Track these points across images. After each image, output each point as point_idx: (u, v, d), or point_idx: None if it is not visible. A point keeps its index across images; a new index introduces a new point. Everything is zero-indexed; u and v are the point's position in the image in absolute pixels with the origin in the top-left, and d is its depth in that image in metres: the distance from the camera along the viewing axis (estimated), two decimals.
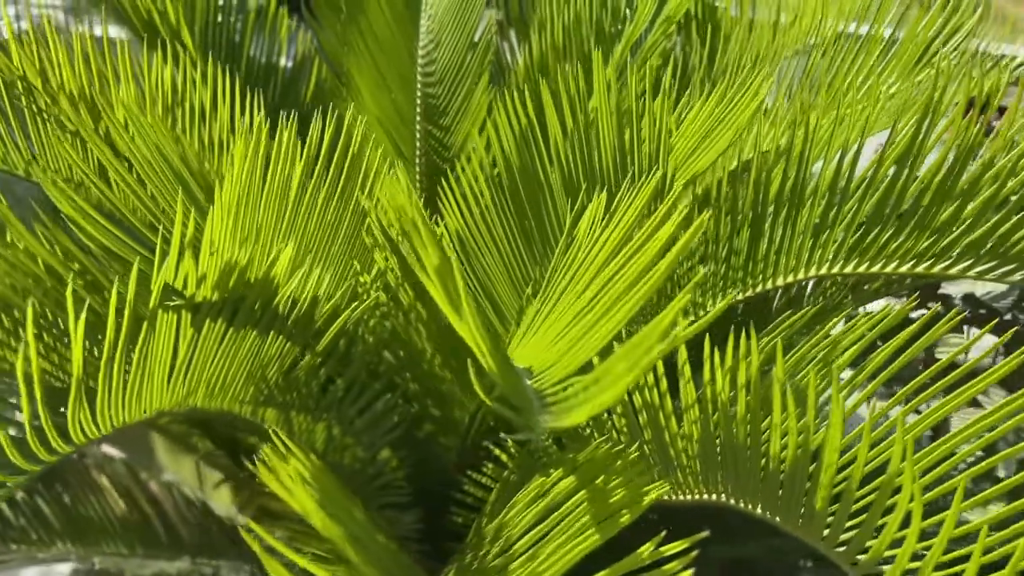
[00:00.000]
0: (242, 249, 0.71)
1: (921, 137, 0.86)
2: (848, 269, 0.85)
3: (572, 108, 0.86)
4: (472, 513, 1.15)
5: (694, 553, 0.56)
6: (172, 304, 0.66)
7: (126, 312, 0.64)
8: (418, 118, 1.45)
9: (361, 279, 0.95)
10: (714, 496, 0.78)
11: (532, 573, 0.73)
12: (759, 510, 0.77)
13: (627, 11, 1.42)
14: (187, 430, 1.41)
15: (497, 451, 1.02)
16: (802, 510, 0.71)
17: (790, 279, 0.88)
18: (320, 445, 1.13)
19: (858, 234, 0.84)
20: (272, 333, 0.87)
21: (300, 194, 0.80)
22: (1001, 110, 1.62)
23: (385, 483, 1.19)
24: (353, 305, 0.88)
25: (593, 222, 0.80)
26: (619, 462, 0.73)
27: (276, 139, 0.75)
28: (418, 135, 1.45)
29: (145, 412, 0.83)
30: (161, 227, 0.84)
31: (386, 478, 1.20)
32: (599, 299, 0.69)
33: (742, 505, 0.79)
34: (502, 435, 1.12)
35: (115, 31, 1.38)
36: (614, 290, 0.66)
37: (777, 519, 0.73)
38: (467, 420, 1.13)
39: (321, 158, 0.83)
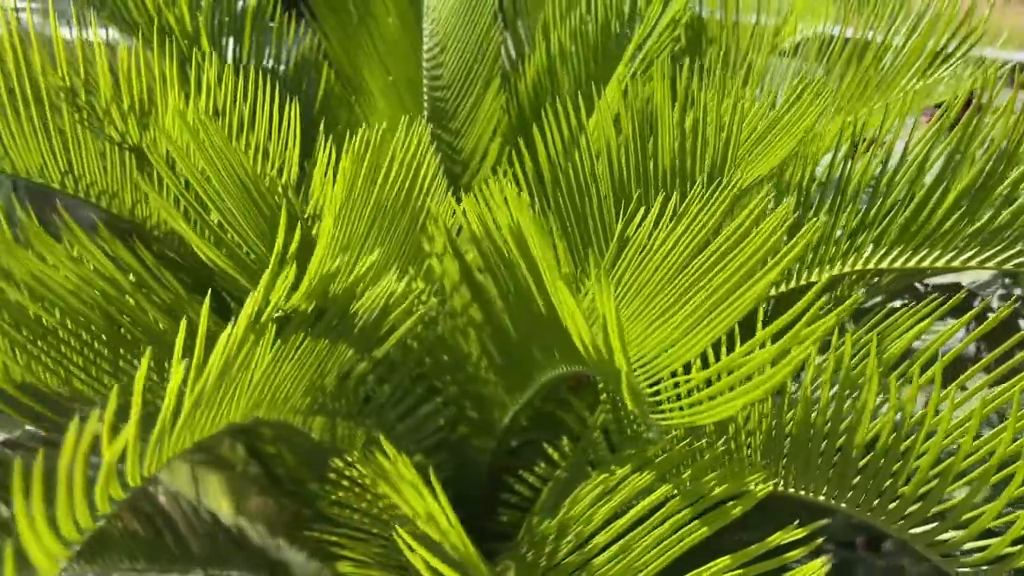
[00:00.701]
0: (336, 260, 0.71)
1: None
2: (898, 263, 0.89)
3: (630, 113, 0.88)
4: (516, 512, 1.17)
5: (819, 540, 0.59)
6: (272, 317, 0.66)
7: (234, 327, 0.64)
8: (427, 123, 1.46)
9: (413, 285, 0.96)
10: (791, 489, 0.81)
11: (627, 568, 0.75)
12: (830, 499, 0.81)
13: (632, 14, 1.45)
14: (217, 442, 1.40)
15: (550, 450, 1.04)
16: (880, 500, 0.75)
17: (837, 271, 0.92)
18: (358, 450, 1.13)
19: (902, 227, 0.89)
20: (341, 342, 0.88)
21: (378, 206, 0.81)
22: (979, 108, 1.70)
23: None
24: (418, 310, 0.88)
25: (660, 223, 0.82)
26: (706, 457, 0.76)
27: (364, 153, 0.75)
28: (428, 140, 1.46)
29: (217, 427, 0.82)
30: (230, 238, 0.83)
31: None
32: (691, 299, 0.71)
33: (814, 495, 0.82)
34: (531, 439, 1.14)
35: (106, 38, 1.35)
36: (710, 291, 0.69)
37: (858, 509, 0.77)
38: (506, 421, 1.15)
39: (387, 170, 0.83)
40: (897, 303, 1.23)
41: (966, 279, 1.60)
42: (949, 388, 0.80)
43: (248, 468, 1.37)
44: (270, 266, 0.66)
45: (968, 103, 1.64)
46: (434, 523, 0.66)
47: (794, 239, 0.60)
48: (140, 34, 1.24)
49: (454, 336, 1.04)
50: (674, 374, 0.67)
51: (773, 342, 0.61)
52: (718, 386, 0.59)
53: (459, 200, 1.11)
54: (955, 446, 0.75)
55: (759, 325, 0.77)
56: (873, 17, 1.23)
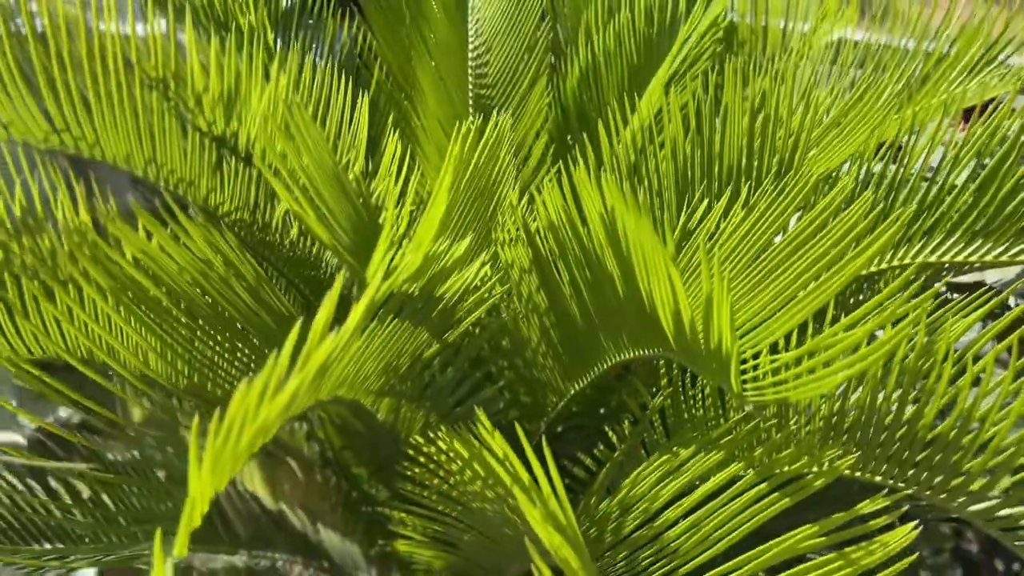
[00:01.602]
0: (435, 245, 0.75)
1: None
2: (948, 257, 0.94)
3: (699, 113, 0.92)
4: (568, 494, 1.21)
5: (904, 508, 0.64)
6: (379, 298, 0.71)
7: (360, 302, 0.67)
8: (471, 117, 1.50)
9: (488, 272, 1.00)
10: (847, 470, 0.85)
11: (701, 541, 0.80)
12: (887, 479, 0.86)
13: (673, 16, 1.50)
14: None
15: (611, 433, 1.09)
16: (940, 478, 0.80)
17: (896, 262, 0.97)
18: (416, 431, 1.17)
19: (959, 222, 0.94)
20: (420, 326, 0.92)
21: (468, 195, 0.85)
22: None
23: None
24: (491, 297, 0.92)
25: (730, 213, 0.86)
26: (777, 436, 0.81)
27: (476, 143, 0.79)
28: None
29: (309, 402, 0.86)
30: (329, 221, 0.87)
31: None
32: (772, 284, 0.76)
33: (871, 476, 0.87)
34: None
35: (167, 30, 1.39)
36: (793, 276, 0.73)
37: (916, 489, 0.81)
38: (559, 407, 1.19)
39: (472, 162, 0.87)
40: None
41: (990, 278, 1.65)
42: (1003, 376, 0.85)
43: (306, 452, 1.41)
44: (379, 252, 0.70)
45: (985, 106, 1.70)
46: (535, 491, 0.70)
47: (879, 228, 0.65)
48: (213, 29, 1.28)
49: (516, 322, 1.08)
50: (757, 355, 0.72)
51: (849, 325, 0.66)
52: (809, 363, 0.64)
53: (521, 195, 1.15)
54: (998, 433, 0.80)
55: (830, 309, 0.81)
56: (913, 23, 1.28)
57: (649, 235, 0.65)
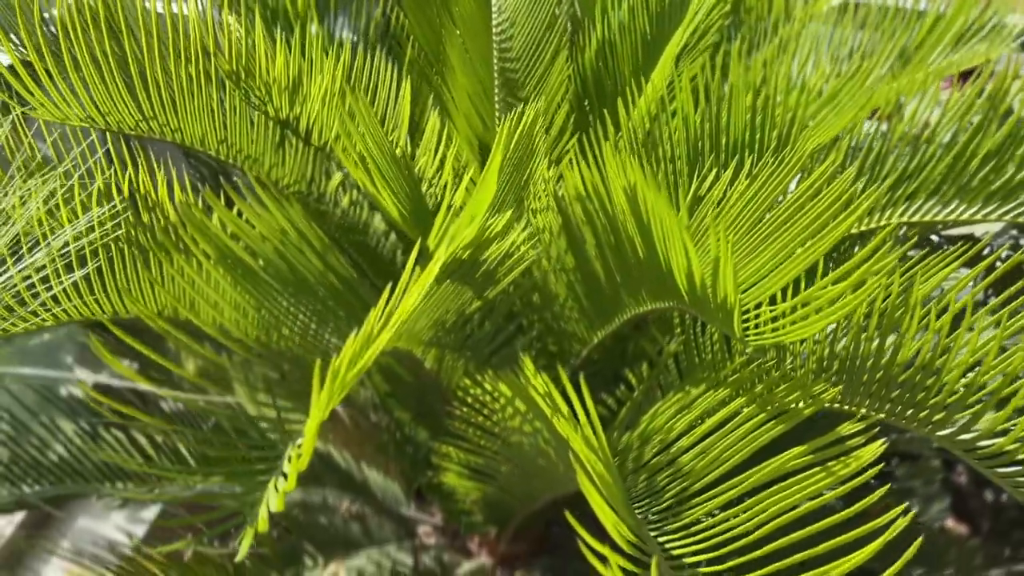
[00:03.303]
0: (485, 216, 0.89)
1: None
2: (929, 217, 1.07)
3: (707, 91, 1.05)
4: None
5: (875, 430, 0.78)
6: (446, 257, 0.84)
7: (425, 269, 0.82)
8: (497, 90, 1.62)
9: (519, 235, 1.14)
10: (836, 404, 0.99)
11: (709, 463, 0.95)
12: (870, 411, 1.00)
13: None
14: None
15: (630, 375, 1.23)
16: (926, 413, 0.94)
17: (884, 221, 1.10)
18: (457, 379, 1.32)
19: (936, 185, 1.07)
20: (467, 285, 1.06)
21: (508, 171, 0.98)
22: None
23: None
24: (527, 259, 1.06)
25: (736, 182, 0.99)
26: (775, 374, 0.95)
27: (517, 123, 0.92)
28: (498, 105, 1.63)
29: (377, 352, 1.01)
30: (384, 196, 1.01)
31: None
32: (771, 245, 0.89)
33: (856, 408, 1.01)
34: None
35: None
36: (789, 238, 0.86)
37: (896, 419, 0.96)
38: (584, 354, 1.33)
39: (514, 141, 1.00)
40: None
41: (979, 231, 1.77)
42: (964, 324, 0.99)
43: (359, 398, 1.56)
44: (438, 225, 0.84)
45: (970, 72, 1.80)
46: (573, 420, 0.84)
47: (860, 197, 0.78)
48: (259, 11, 1.40)
49: (545, 280, 1.23)
50: (759, 304, 0.86)
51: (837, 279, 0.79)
52: (803, 311, 0.77)
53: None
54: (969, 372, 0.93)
55: (820, 265, 0.95)
56: None
57: (665, 207, 0.79)
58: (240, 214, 1.03)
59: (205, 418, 1.70)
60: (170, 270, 1.02)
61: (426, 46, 1.65)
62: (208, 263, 0.92)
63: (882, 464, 0.77)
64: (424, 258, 0.88)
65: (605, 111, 1.19)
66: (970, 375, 0.86)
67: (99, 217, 0.90)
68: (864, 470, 0.77)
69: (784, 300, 0.88)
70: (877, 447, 0.78)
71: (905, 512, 1.84)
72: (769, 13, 1.77)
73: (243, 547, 0.84)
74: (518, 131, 0.89)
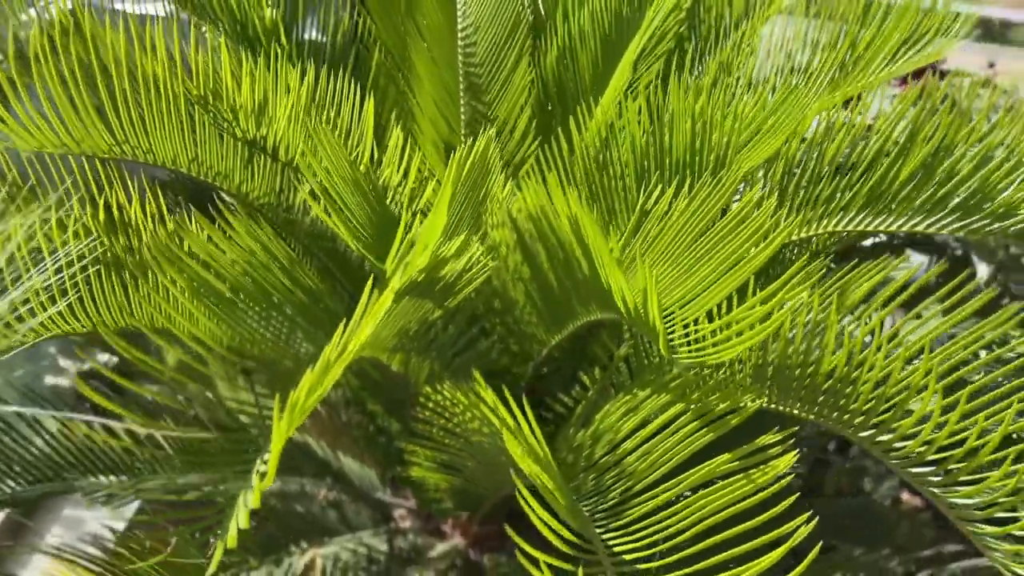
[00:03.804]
0: (440, 241, 0.95)
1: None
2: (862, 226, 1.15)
3: (651, 113, 1.12)
4: (551, 426, 1.44)
5: (791, 441, 0.86)
6: (400, 284, 0.91)
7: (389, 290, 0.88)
8: (462, 94, 1.68)
9: (480, 250, 1.21)
10: (773, 405, 1.07)
11: (650, 465, 1.03)
12: (803, 413, 1.08)
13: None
14: None
15: (585, 377, 1.31)
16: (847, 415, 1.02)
17: (817, 231, 1.17)
18: (423, 378, 1.40)
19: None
20: (426, 299, 1.13)
21: (465, 197, 1.05)
22: (941, 75, 1.93)
23: None
24: (483, 273, 1.13)
25: (676, 200, 1.06)
26: (711, 382, 1.03)
27: (468, 155, 0.98)
28: (463, 110, 1.68)
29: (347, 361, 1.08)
30: (343, 215, 1.07)
31: None
32: (703, 266, 0.96)
33: (790, 410, 1.09)
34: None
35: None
36: (718, 261, 0.94)
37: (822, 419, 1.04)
38: (543, 354, 1.41)
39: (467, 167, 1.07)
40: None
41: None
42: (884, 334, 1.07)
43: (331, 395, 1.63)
44: (393, 252, 0.91)
45: (932, 71, 1.87)
46: (520, 433, 0.92)
47: (776, 231, 0.85)
48: (227, 24, 1.45)
49: (505, 288, 1.29)
50: (696, 320, 0.93)
51: (763, 299, 0.87)
52: (724, 334, 0.85)
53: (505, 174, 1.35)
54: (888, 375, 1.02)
55: (751, 283, 1.02)
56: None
57: (600, 240, 0.86)
58: (210, 238, 1.09)
59: (186, 412, 1.77)
60: (146, 286, 1.08)
61: (394, 50, 1.70)
62: (175, 289, 0.98)
63: (792, 475, 0.85)
64: (382, 283, 0.94)
65: (560, 130, 1.26)
66: (881, 388, 0.94)
67: (78, 250, 0.96)
68: (781, 477, 0.85)
69: (720, 315, 0.95)
70: (791, 458, 0.86)
71: (856, 491, 1.94)
72: (731, 11, 1.83)
73: (218, 552, 0.91)
74: (469, 162, 0.95)
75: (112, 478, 1.56)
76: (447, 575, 1.79)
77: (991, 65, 2.05)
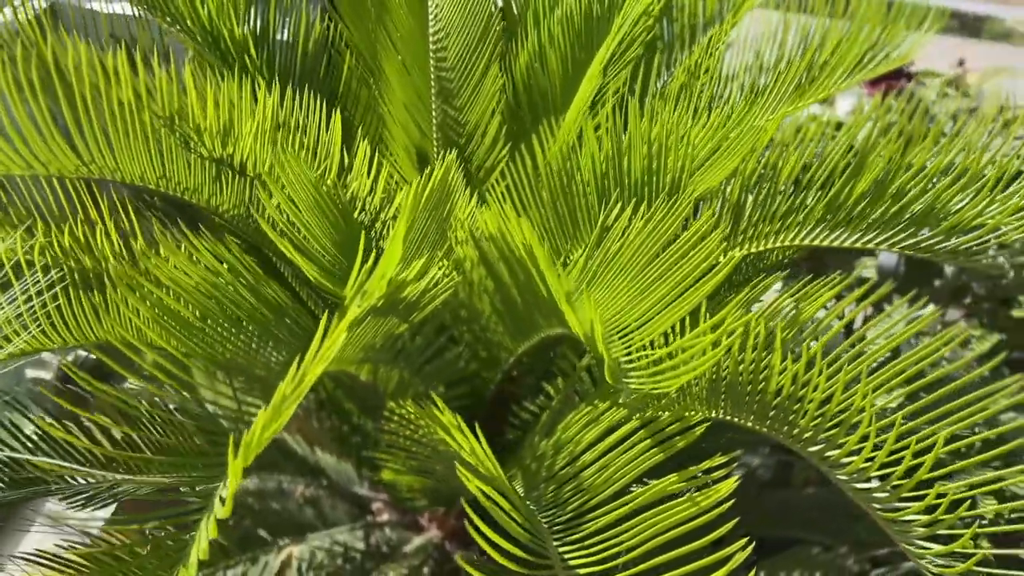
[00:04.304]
0: (399, 267, 0.97)
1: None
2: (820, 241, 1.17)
3: (609, 134, 1.14)
4: (519, 431, 1.48)
5: (734, 465, 0.90)
6: (366, 300, 0.94)
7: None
8: (433, 99, 1.69)
9: (444, 269, 1.23)
10: (728, 418, 1.11)
11: (606, 480, 1.06)
12: (757, 426, 1.11)
13: (611, 3, 1.67)
14: None
15: (548, 387, 1.34)
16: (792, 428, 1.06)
17: (771, 245, 1.20)
18: (392, 386, 1.43)
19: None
20: (389, 317, 1.15)
21: (427, 219, 1.07)
22: (909, 76, 1.96)
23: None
24: (447, 284, 1.16)
25: (633, 222, 1.09)
26: (664, 400, 1.06)
27: (425, 180, 1.00)
28: (434, 115, 1.69)
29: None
30: (301, 236, 1.09)
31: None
32: (656, 290, 0.99)
33: (744, 423, 1.12)
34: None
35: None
36: (669, 287, 0.96)
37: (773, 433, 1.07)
38: (511, 361, 1.44)
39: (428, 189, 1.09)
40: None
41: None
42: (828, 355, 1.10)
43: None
44: (354, 275, 0.93)
45: (901, 72, 1.89)
46: (473, 455, 0.95)
47: (721, 264, 0.88)
48: (200, 36, 1.46)
49: (471, 299, 1.32)
50: (634, 351, 0.96)
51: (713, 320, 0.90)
52: (671, 362, 0.88)
53: (468, 175, 1.37)
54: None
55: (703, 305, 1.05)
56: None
57: (551, 274, 0.88)
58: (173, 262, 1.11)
59: (163, 409, 1.79)
60: (114, 308, 1.10)
61: (366, 53, 1.70)
62: (138, 319, 1.01)
63: (733, 500, 0.88)
64: (342, 308, 0.97)
65: (531, 137, 1.27)
66: (826, 407, 0.98)
67: (46, 279, 0.99)
68: (722, 501, 0.89)
69: (671, 339, 0.98)
70: (732, 483, 0.89)
71: (824, 482, 1.96)
72: (705, 11, 1.85)
73: (193, 552, 0.94)
74: (428, 190, 0.97)
75: (90, 478, 1.59)
76: (422, 569, 1.83)
77: (961, 63, 2.07)
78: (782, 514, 1.92)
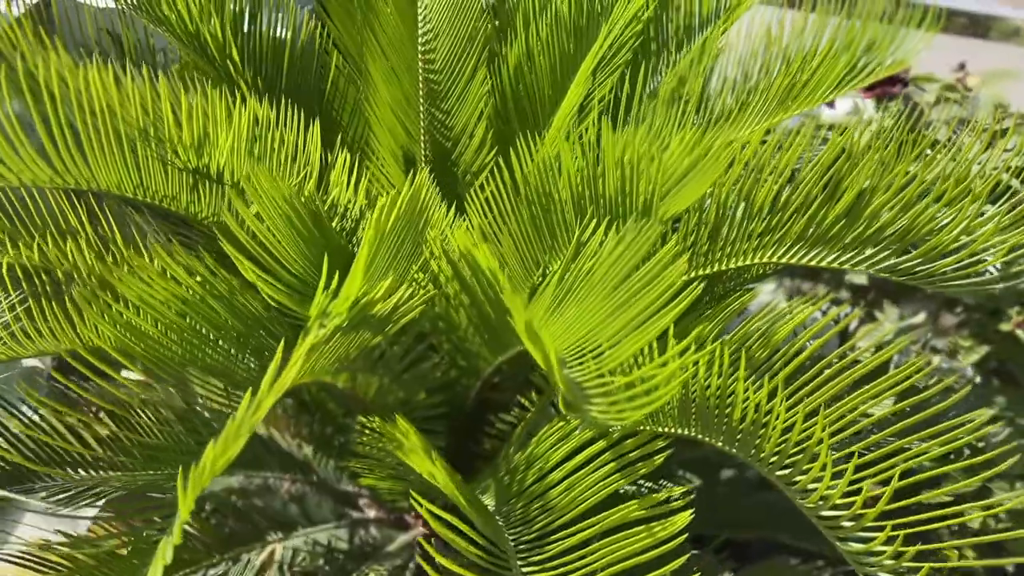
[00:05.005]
0: (367, 284, 0.97)
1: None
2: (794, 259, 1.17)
3: (583, 150, 1.13)
4: (496, 441, 1.48)
5: (691, 496, 0.90)
6: (329, 322, 0.94)
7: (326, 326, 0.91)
8: (422, 102, 1.68)
9: (418, 276, 1.23)
10: (699, 436, 1.11)
11: (572, 500, 1.06)
12: (727, 447, 1.11)
13: (602, 5, 1.65)
14: None
15: (523, 399, 1.34)
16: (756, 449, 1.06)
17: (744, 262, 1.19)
18: (372, 393, 1.43)
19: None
20: (362, 331, 1.15)
21: (397, 237, 1.07)
22: (904, 82, 1.93)
23: (421, 416, 1.51)
24: (420, 298, 1.16)
25: (605, 241, 1.08)
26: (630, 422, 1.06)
27: (392, 202, 1.00)
28: (422, 117, 1.69)
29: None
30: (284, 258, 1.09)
31: (421, 413, 1.51)
32: (624, 309, 0.99)
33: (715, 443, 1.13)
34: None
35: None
36: (638, 305, 0.96)
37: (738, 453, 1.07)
38: (489, 370, 1.44)
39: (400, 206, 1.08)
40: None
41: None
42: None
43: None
44: (318, 298, 0.93)
45: (896, 79, 1.87)
46: (434, 478, 0.95)
47: (685, 291, 0.88)
48: (185, 38, 1.45)
49: (448, 311, 1.32)
50: (602, 374, 0.96)
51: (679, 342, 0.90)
52: (629, 393, 0.88)
53: (454, 178, 1.37)
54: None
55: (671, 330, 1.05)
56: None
57: (515, 299, 0.88)
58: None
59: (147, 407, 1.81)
60: (88, 319, 1.11)
61: (354, 53, 1.70)
62: (103, 342, 1.02)
63: (686, 534, 0.88)
64: (305, 330, 0.97)
65: (516, 141, 1.27)
66: (788, 435, 0.98)
67: (17, 295, 0.99)
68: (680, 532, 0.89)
69: (637, 365, 0.98)
70: (687, 516, 0.89)
71: None
72: (702, 9, 1.83)
73: (159, 556, 0.95)
74: (394, 214, 0.97)
75: (74, 477, 1.61)
76: (406, 568, 1.85)
77: (961, 67, 2.04)
78: (768, 518, 1.92)
